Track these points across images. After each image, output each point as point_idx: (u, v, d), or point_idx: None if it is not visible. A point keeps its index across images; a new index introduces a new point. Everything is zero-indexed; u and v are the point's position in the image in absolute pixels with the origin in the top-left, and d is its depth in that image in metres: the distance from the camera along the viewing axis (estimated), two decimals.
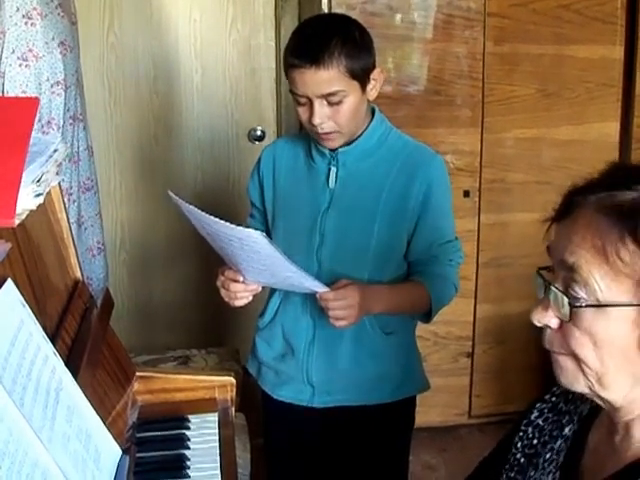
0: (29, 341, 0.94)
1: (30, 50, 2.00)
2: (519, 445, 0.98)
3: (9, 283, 0.94)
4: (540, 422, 0.97)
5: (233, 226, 1.27)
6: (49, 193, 1.19)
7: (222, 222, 1.27)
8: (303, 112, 1.45)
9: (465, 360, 2.69)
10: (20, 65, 2.00)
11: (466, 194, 2.53)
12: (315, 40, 1.42)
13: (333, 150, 1.51)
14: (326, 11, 2.35)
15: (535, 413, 0.98)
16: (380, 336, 1.55)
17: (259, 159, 1.63)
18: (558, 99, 2.53)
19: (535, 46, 2.47)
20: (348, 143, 1.50)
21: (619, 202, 0.78)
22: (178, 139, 2.82)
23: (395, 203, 1.50)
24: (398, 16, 2.40)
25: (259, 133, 2.84)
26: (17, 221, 0.97)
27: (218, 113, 2.83)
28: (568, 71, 2.51)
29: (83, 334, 1.19)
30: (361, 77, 1.44)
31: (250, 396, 1.89)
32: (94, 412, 1.03)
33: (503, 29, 2.44)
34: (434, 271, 1.52)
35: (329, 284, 1.39)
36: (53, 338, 1.06)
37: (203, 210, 1.30)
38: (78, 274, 1.33)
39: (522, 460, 0.97)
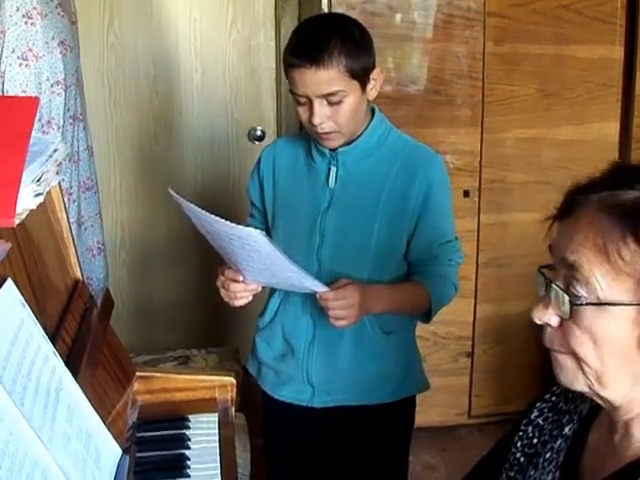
0: (29, 341, 0.94)
1: (30, 50, 2.00)
2: (519, 444, 0.98)
3: (9, 283, 0.94)
4: (540, 421, 0.97)
5: (233, 225, 1.27)
6: (49, 193, 1.19)
7: (222, 221, 1.27)
8: (303, 112, 1.45)
9: (465, 360, 2.69)
10: (20, 65, 2.00)
11: (466, 194, 2.53)
12: (315, 40, 1.42)
13: (333, 150, 1.51)
14: (326, 11, 2.35)
15: (535, 412, 0.98)
16: (380, 336, 1.55)
17: (259, 159, 1.63)
18: (558, 99, 2.53)
19: (535, 46, 2.47)
20: (348, 143, 1.50)
21: (621, 201, 0.79)
22: (178, 139, 2.82)
23: (395, 203, 1.50)
24: (398, 16, 2.40)
25: (259, 133, 2.84)
26: (17, 221, 0.97)
27: (218, 113, 2.83)
28: (568, 71, 2.51)
29: (83, 334, 1.19)
30: (361, 77, 1.44)
31: (250, 396, 1.89)
32: (94, 412, 1.03)
33: (503, 29, 2.44)
34: (434, 271, 1.52)
35: (329, 284, 1.39)
36: (53, 338, 1.06)
37: (203, 209, 1.30)
38: (78, 274, 1.33)
39: (522, 459, 0.97)
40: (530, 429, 0.98)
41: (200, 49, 2.77)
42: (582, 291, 0.80)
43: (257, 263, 1.34)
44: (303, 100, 1.44)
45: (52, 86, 2.05)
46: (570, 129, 2.55)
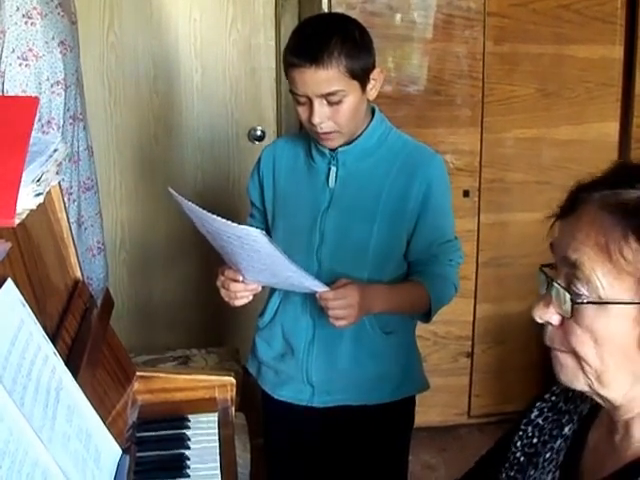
0: (29, 341, 0.94)
1: (30, 49, 2.00)
2: (519, 444, 0.98)
3: (9, 283, 0.94)
4: (540, 421, 0.97)
5: (233, 224, 1.27)
6: (49, 193, 1.19)
7: (222, 220, 1.27)
8: (303, 112, 1.45)
9: (465, 360, 2.69)
10: (20, 65, 1.99)
11: (466, 194, 2.53)
12: (315, 40, 1.42)
13: (333, 150, 1.51)
14: (326, 11, 2.35)
15: (535, 412, 0.98)
16: (380, 336, 1.55)
17: (259, 159, 1.63)
18: (558, 99, 2.53)
19: (535, 46, 2.47)
20: (348, 143, 1.50)
21: (623, 200, 0.79)
22: (178, 139, 2.82)
23: (395, 203, 1.50)
24: (398, 16, 2.40)
25: (259, 133, 2.84)
26: (17, 221, 0.97)
27: (218, 113, 2.83)
28: (568, 71, 2.51)
29: (83, 334, 1.19)
30: (361, 77, 1.44)
31: (250, 396, 1.89)
32: (94, 412, 1.03)
33: (503, 29, 2.44)
34: (434, 271, 1.52)
35: (329, 284, 1.39)
36: (53, 338, 1.06)
37: (203, 209, 1.30)
38: (78, 274, 1.33)
39: (522, 459, 0.97)
40: (530, 429, 0.98)
41: (200, 49, 2.77)
42: (583, 290, 0.80)
43: (257, 263, 1.35)
44: (303, 100, 1.44)
45: (52, 86, 2.05)
46: (570, 129, 2.55)
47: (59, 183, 1.28)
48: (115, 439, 1.07)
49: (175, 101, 2.80)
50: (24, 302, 0.96)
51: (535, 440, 0.97)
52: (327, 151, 1.51)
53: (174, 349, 2.45)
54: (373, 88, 1.48)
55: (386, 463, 1.65)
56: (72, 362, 1.07)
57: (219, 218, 1.27)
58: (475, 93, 2.48)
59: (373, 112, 1.54)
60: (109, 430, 1.06)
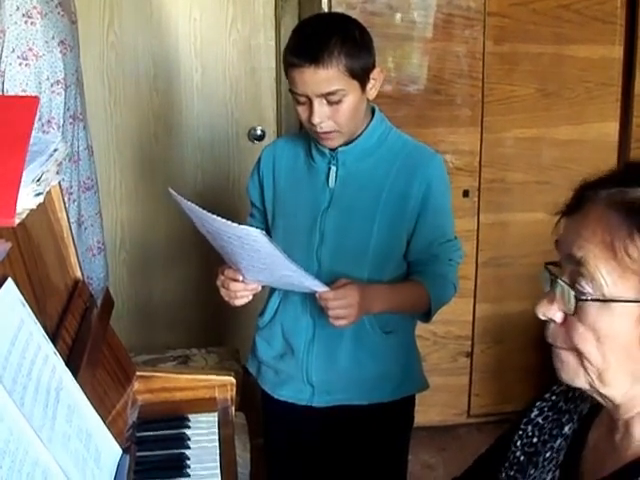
0: (29, 341, 0.94)
1: (30, 49, 2.00)
2: (519, 443, 0.98)
3: (9, 282, 0.94)
4: (540, 421, 0.98)
5: (233, 224, 1.27)
6: (49, 192, 1.19)
7: (222, 220, 1.27)
8: (303, 111, 1.46)
9: (464, 360, 2.69)
10: (20, 64, 1.99)
11: (465, 194, 2.53)
12: (315, 39, 1.42)
13: (333, 149, 1.51)
14: (326, 10, 2.35)
15: (535, 412, 0.99)
16: (380, 335, 1.55)
17: (259, 159, 1.63)
18: (558, 99, 2.53)
19: (535, 46, 2.47)
20: (348, 142, 1.50)
21: (630, 199, 0.79)
22: (178, 138, 2.82)
23: (395, 203, 1.50)
24: (398, 15, 2.40)
25: (259, 132, 2.84)
26: (17, 220, 0.97)
27: (218, 112, 2.83)
28: (568, 71, 2.51)
29: (83, 334, 1.19)
30: (361, 76, 1.44)
31: (250, 396, 1.89)
32: (94, 411, 1.03)
33: (503, 29, 2.44)
34: (434, 271, 1.52)
35: (329, 283, 1.39)
36: (53, 337, 1.06)
37: (203, 209, 1.30)
38: (78, 273, 1.33)
39: (522, 458, 0.97)
40: (530, 428, 0.98)
41: (200, 48, 2.77)
42: (587, 287, 0.80)
43: (257, 262, 1.35)
44: (303, 99, 1.44)
45: (52, 85, 2.05)
46: (570, 129, 2.55)
47: (59, 183, 1.28)
48: (115, 439, 1.07)
49: (175, 100, 2.80)
50: (24, 302, 0.96)
51: (535, 439, 0.97)
52: (327, 151, 1.51)
53: (174, 349, 2.45)
54: (373, 88, 1.48)
55: (386, 463, 1.65)
56: (72, 362, 1.07)
57: (219, 218, 1.27)
58: (475, 93, 2.48)
59: (373, 112, 1.54)
60: (109, 430, 1.06)
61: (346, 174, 1.51)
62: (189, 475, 1.18)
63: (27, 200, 1.00)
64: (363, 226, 1.50)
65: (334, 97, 1.42)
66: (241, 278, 1.42)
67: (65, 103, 2.08)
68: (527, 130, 2.53)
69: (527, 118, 2.52)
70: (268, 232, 1.57)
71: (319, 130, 1.45)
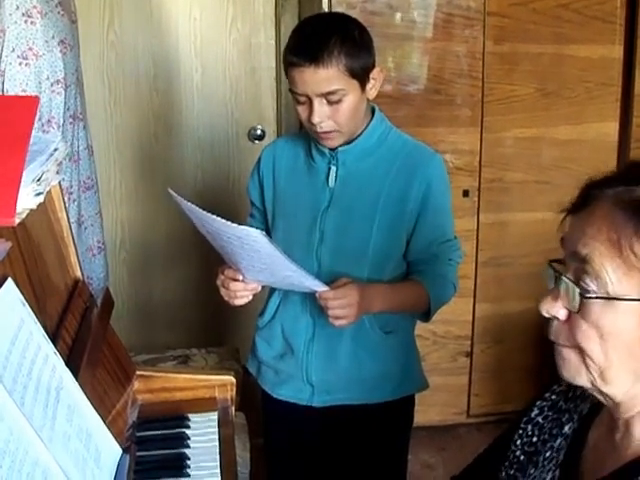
0: (29, 340, 0.94)
1: (30, 49, 2.00)
2: (519, 443, 0.98)
3: (9, 282, 0.94)
4: (540, 420, 0.98)
5: (233, 225, 1.27)
6: (49, 192, 1.19)
7: (222, 220, 1.27)
8: (302, 111, 1.46)
9: (464, 359, 2.69)
10: (20, 64, 1.99)
11: (465, 194, 2.53)
12: (315, 39, 1.42)
13: (333, 149, 1.51)
14: (326, 10, 2.35)
15: (535, 411, 0.99)
16: (379, 335, 1.55)
17: (259, 159, 1.63)
18: (557, 98, 2.53)
19: (535, 45, 2.47)
20: (348, 142, 1.50)
21: (637, 197, 0.79)
22: (178, 138, 2.82)
23: (394, 202, 1.50)
24: (398, 15, 2.40)
25: (259, 132, 2.84)
26: (17, 220, 0.97)
27: (218, 112, 2.83)
28: (567, 70, 2.51)
29: (83, 333, 1.19)
30: (361, 76, 1.44)
31: (250, 395, 1.89)
32: (94, 411, 1.03)
33: (503, 28, 2.44)
34: (433, 270, 1.52)
35: (329, 283, 1.39)
36: (53, 337, 1.06)
37: (203, 209, 1.30)
38: (78, 273, 1.33)
39: (522, 458, 0.97)
40: (530, 427, 0.98)
41: (200, 48, 2.77)
42: (592, 285, 0.80)
43: (257, 262, 1.35)
44: (303, 99, 1.44)
45: (52, 85, 2.05)
46: (569, 129, 2.55)
47: (59, 182, 1.28)
48: (115, 438, 1.07)
49: (175, 100, 2.80)
50: (24, 301, 0.96)
51: (535, 439, 0.97)
52: (327, 151, 1.51)
53: (174, 348, 2.45)
54: (373, 87, 1.48)
55: (385, 462, 1.65)
56: (72, 361, 1.07)
57: (219, 218, 1.27)
58: (475, 93, 2.48)
59: (373, 112, 1.54)
60: (109, 429, 1.06)
61: (346, 174, 1.51)
62: (189, 475, 1.18)
63: (27, 200, 1.00)
64: (363, 226, 1.50)
65: (334, 97, 1.42)
66: (241, 278, 1.42)
67: (65, 103, 2.08)
68: (527, 130, 2.53)
69: (527, 118, 2.52)
70: (268, 232, 1.57)
71: (319, 130, 1.45)
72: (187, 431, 1.29)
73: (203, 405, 1.38)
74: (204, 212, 1.29)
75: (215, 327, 2.92)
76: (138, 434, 1.25)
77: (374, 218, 1.50)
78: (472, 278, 2.60)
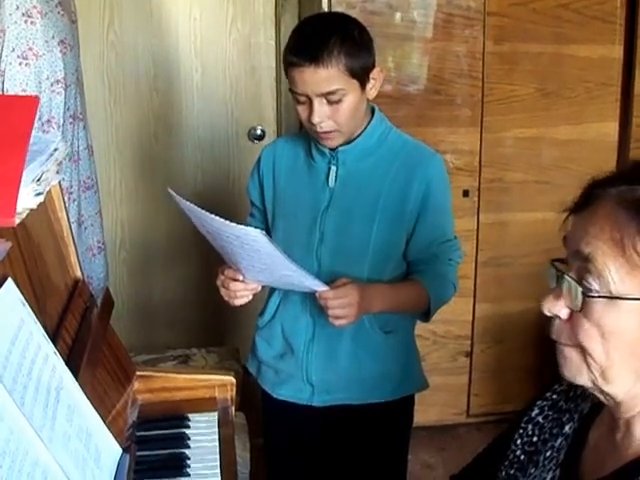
0: (29, 340, 0.94)
1: (30, 49, 2.00)
2: (519, 442, 0.98)
3: (9, 282, 0.94)
4: (540, 420, 0.98)
5: (233, 224, 1.27)
6: (49, 192, 1.19)
7: (222, 220, 1.27)
8: (302, 111, 1.46)
9: (464, 359, 2.69)
10: (20, 64, 1.99)
11: (465, 193, 2.53)
12: (315, 39, 1.42)
13: (333, 149, 1.51)
14: (326, 10, 2.35)
15: (535, 410, 0.99)
16: (379, 335, 1.55)
17: (259, 158, 1.63)
18: (557, 98, 2.53)
19: (535, 45, 2.47)
20: (348, 142, 1.50)
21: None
22: (178, 138, 2.82)
23: (394, 202, 1.50)
24: (398, 15, 2.40)
25: (259, 132, 2.84)
26: (17, 220, 0.97)
27: (218, 112, 2.83)
28: (567, 70, 2.51)
29: (83, 333, 1.19)
30: (360, 76, 1.44)
31: (250, 395, 1.89)
32: (94, 411, 1.03)
33: (503, 28, 2.44)
34: (433, 270, 1.52)
35: (328, 283, 1.39)
36: (53, 337, 1.06)
37: (203, 208, 1.30)
38: (78, 273, 1.33)
39: (522, 457, 0.97)
40: (530, 427, 0.98)
41: (200, 48, 2.77)
42: (594, 284, 0.80)
43: (257, 262, 1.35)
44: (303, 99, 1.44)
45: (52, 85, 2.05)
46: (569, 129, 2.55)
47: (59, 182, 1.28)
48: (115, 438, 1.07)
49: (175, 100, 2.80)
50: (24, 301, 0.96)
51: (535, 438, 0.97)
52: (327, 150, 1.51)
53: (174, 348, 2.45)
54: (373, 87, 1.48)
55: (385, 462, 1.65)
56: (72, 361, 1.07)
57: (218, 218, 1.27)
58: (475, 93, 2.48)
59: (373, 111, 1.54)
60: (109, 429, 1.06)
61: (346, 174, 1.51)
62: (189, 475, 1.18)
63: (27, 200, 1.00)
64: (363, 226, 1.50)
65: (334, 97, 1.42)
66: (241, 278, 1.42)
67: (65, 103, 2.08)
68: (527, 130, 2.53)
69: (527, 118, 2.52)
70: (268, 232, 1.57)
71: (319, 130, 1.45)
72: (187, 431, 1.29)
73: (203, 405, 1.38)
74: (204, 212, 1.29)
75: (215, 327, 2.92)
76: (138, 434, 1.25)
77: (374, 218, 1.50)
78: (472, 278, 2.60)
